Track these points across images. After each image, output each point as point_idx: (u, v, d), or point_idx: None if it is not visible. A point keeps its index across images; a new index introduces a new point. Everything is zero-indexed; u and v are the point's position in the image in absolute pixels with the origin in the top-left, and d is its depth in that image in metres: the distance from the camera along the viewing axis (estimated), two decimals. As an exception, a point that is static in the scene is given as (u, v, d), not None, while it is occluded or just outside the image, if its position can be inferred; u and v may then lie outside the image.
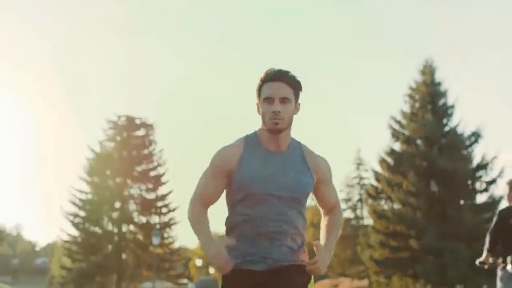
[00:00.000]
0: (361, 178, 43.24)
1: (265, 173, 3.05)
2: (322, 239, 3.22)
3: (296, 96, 3.09)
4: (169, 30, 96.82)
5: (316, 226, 28.95)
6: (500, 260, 6.23)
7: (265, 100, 3.04)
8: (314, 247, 3.12)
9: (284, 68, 3.10)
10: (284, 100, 3.02)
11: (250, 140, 3.13)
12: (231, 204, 3.14)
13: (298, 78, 3.11)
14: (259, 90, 3.08)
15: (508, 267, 6.10)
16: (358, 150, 47.41)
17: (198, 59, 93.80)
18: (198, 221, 3.15)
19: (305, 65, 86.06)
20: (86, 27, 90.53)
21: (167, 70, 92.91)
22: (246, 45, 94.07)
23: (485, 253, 6.37)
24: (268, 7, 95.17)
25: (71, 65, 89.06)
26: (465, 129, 29.63)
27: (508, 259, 6.12)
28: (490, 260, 6.30)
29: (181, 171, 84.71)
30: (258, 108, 3.12)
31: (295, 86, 3.08)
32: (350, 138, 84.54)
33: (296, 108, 3.11)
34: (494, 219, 6.39)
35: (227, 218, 3.16)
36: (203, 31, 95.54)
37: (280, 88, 3.02)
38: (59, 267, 42.05)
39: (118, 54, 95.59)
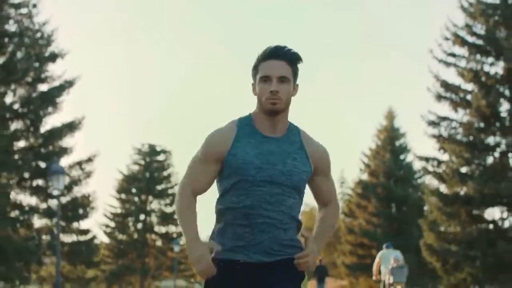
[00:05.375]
0: (344, 195, 54.90)
1: (260, 158, 2.97)
2: (315, 233, 3.17)
3: (295, 76, 3.03)
4: (170, 34, 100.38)
5: (311, 230, 39.55)
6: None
7: (261, 79, 2.97)
8: (303, 238, 3.04)
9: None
10: (282, 80, 2.95)
11: (244, 123, 3.06)
12: (221, 191, 3.06)
13: (299, 55, 3.04)
14: (256, 69, 3.03)
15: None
16: (342, 170, 59.59)
17: (199, 64, 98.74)
18: (186, 211, 3.02)
19: (305, 68, 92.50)
20: (86, 31, 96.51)
21: (168, 74, 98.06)
22: (247, 49, 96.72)
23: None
24: (268, 10, 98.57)
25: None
26: (417, 165, 41.47)
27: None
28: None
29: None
30: (253, 88, 3.04)
31: (294, 63, 3.01)
32: (346, 145, 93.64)
33: (294, 89, 3.04)
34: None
35: (216, 206, 3.09)
36: (204, 35, 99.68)
37: (278, 67, 2.96)
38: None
39: (118, 58, 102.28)
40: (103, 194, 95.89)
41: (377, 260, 16.56)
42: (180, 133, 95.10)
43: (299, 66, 3.06)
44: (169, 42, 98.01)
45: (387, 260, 16.07)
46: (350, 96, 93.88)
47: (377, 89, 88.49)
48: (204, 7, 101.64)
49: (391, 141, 41.58)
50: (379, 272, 16.43)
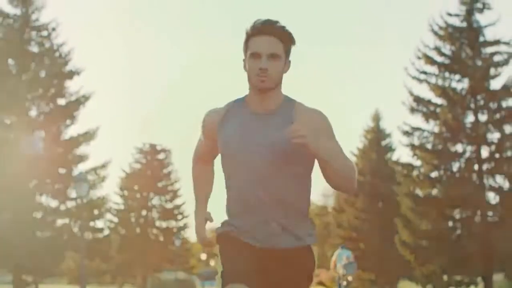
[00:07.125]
0: (333, 191, 58.65)
1: (241, 132, 2.96)
2: None
3: (287, 52, 2.98)
4: (170, 25, 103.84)
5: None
6: None
7: (252, 55, 2.93)
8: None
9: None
10: (272, 56, 2.91)
11: (237, 102, 3.07)
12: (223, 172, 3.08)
13: (290, 31, 2.96)
14: (246, 44, 2.97)
15: None
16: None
17: (201, 56, 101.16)
18: (195, 180, 3.25)
19: (299, 55, 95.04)
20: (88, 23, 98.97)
21: (169, 76, 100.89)
22: (239, 39, 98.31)
23: None
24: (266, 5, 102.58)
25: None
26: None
27: None
28: None
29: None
30: (244, 64, 3.00)
31: (286, 40, 2.95)
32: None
33: (286, 66, 2.99)
34: None
35: None
36: (206, 32, 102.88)
37: (269, 43, 2.91)
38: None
39: (118, 50, 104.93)
40: (107, 191, 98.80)
41: (333, 258, 21.43)
42: (179, 132, 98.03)
43: (292, 43, 3.00)
44: (171, 42, 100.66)
45: (341, 258, 20.88)
46: (341, 96, 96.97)
47: (366, 94, 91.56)
48: (206, 2, 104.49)
49: (377, 142, 45.71)
50: (335, 266, 21.05)
